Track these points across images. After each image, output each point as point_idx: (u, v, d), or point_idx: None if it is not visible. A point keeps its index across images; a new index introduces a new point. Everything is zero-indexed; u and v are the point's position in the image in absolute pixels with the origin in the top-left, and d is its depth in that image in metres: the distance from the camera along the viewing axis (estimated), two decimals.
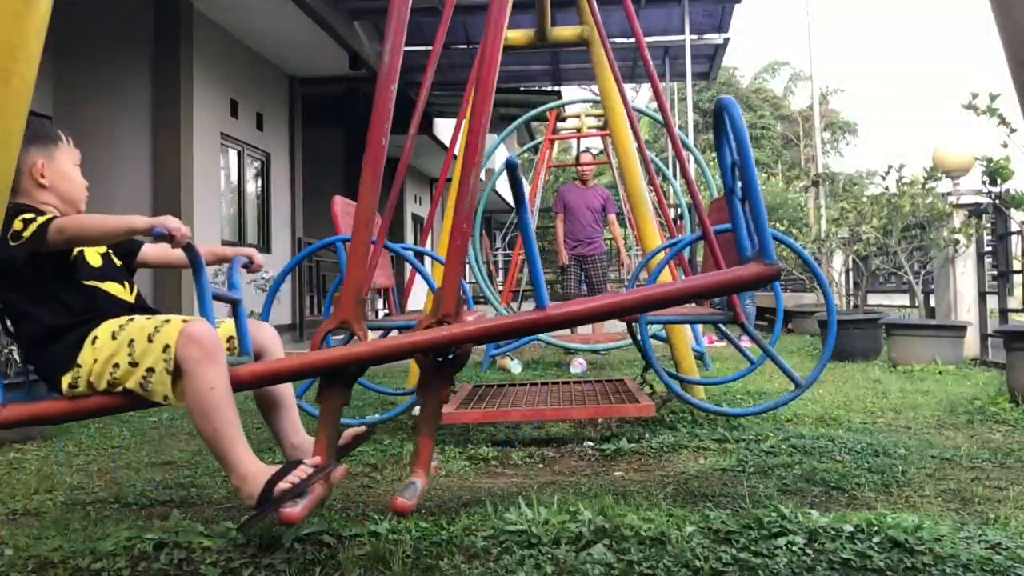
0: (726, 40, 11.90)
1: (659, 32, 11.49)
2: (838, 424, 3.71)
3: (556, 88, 13.94)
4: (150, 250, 2.45)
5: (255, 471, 1.87)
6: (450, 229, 2.01)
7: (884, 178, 7.40)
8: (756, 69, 40.53)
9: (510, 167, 1.93)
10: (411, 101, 3.91)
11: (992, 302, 6.81)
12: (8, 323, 2.14)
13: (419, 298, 6.06)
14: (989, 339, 6.61)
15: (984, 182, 5.64)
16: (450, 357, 1.94)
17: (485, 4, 2.07)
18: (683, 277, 4.95)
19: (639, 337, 3.59)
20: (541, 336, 5.96)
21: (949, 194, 7.03)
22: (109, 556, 1.97)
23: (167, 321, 1.96)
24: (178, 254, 2.35)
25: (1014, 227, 6.08)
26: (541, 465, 3.09)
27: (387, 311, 4.16)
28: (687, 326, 4.32)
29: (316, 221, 12.81)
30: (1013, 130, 4.89)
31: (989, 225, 6.75)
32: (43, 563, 1.96)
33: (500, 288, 10.44)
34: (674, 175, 9.76)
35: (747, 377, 4.25)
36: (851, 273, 9.46)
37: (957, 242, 6.73)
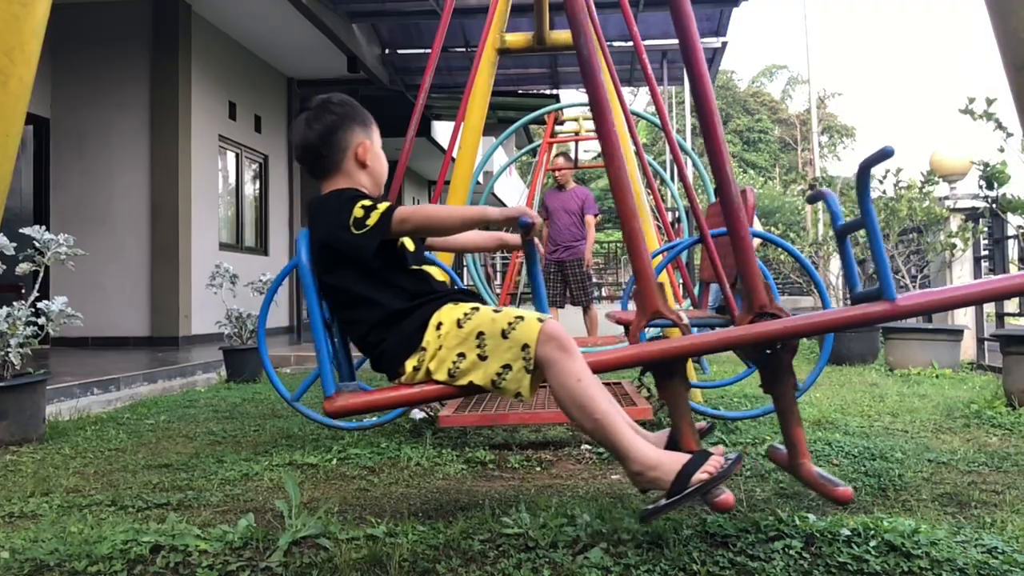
0: (724, 44, 11.91)
1: (657, 36, 11.49)
2: (835, 428, 3.71)
3: (554, 91, 13.95)
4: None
5: (658, 459, 1.86)
6: (731, 227, 2.03)
7: (882, 182, 7.42)
8: (754, 73, 40.64)
9: (887, 154, 1.89)
10: (409, 104, 3.91)
11: (989, 306, 6.82)
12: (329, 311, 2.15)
13: None
14: (986, 343, 6.62)
15: (981, 186, 5.66)
16: (778, 347, 1.99)
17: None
18: (680, 280, 4.96)
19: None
20: None
21: (946, 198, 7.05)
22: (105, 559, 1.96)
23: (520, 318, 1.94)
24: (462, 240, 2.42)
25: (1010, 231, 6.09)
26: (538, 468, 3.09)
27: None
28: None
29: None
30: (1010, 134, 4.91)
31: (986, 229, 6.77)
32: (39, 566, 1.96)
33: (498, 291, 10.45)
34: (672, 179, 9.77)
35: (744, 380, 4.26)
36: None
37: (954, 246, 6.74)
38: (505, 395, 1.94)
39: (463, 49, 11.32)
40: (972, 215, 6.83)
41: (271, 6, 9.25)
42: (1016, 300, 7.04)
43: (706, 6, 10.70)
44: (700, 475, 1.80)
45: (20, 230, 4.24)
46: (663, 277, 4.19)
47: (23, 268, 4.18)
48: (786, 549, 1.91)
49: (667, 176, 8.90)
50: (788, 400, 2.04)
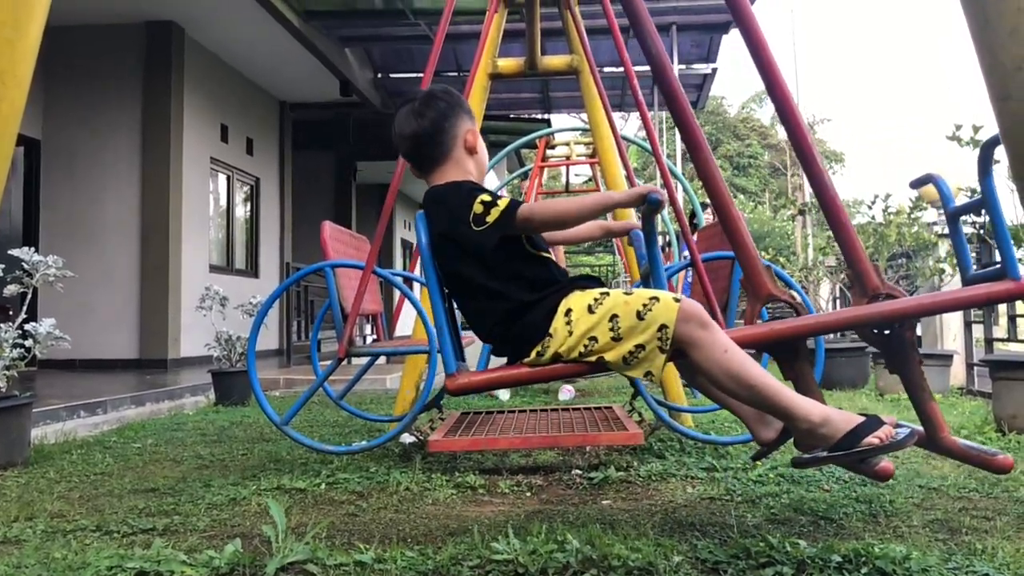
0: (714, 70, 12.05)
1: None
2: None
3: (546, 116, 14.05)
4: None
5: (828, 414, 1.86)
6: (830, 212, 2.04)
7: (871, 207, 7.47)
8: (744, 98, 41.03)
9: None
10: None
11: (978, 331, 6.85)
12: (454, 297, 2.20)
13: (407, 324, 6.05)
14: (975, 368, 6.64)
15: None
16: (896, 327, 2.01)
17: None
18: None
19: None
20: None
21: (935, 224, 7.10)
22: None
23: (655, 299, 1.94)
24: (572, 233, 2.46)
25: (997, 257, 6.14)
26: (529, 493, 3.08)
27: (375, 337, 4.16)
28: None
29: (305, 246, 12.81)
30: (996, 162, 4.95)
31: (974, 255, 6.82)
32: None
33: None
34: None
35: None
36: (838, 301, 9.51)
37: (943, 271, 6.78)
38: (634, 374, 1.94)
39: (455, 73, 11.41)
40: None
41: (264, 30, 9.30)
42: (1004, 326, 7.08)
43: (696, 33, 10.84)
44: (872, 439, 1.79)
45: (9, 251, 4.22)
46: None
47: (11, 290, 4.16)
48: None
49: None
50: (916, 376, 2.05)
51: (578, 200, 2.04)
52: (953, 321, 6.88)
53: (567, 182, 10.38)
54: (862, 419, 1.85)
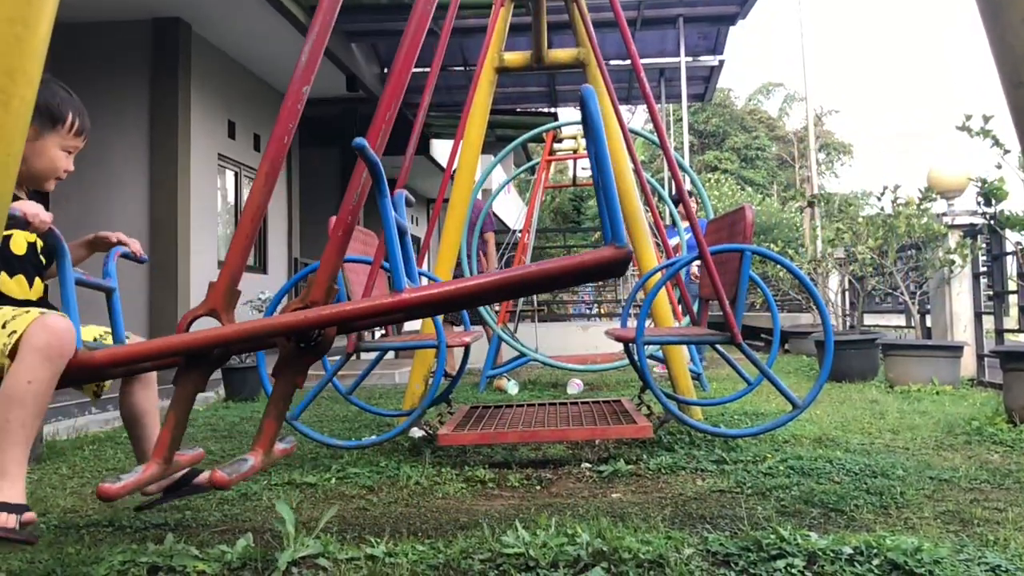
0: (721, 62, 11.99)
1: (655, 54, 11.57)
2: (836, 445, 3.70)
3: (552, 109, 14.02)
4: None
5: (16, 487, 1.79)
6: (335, 222, 1.99)
7: (879, 199, 7.44)
8: (751, 90, 40.94)
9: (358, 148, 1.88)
10: (408, 122, 3.93)
11: (988, 322, 6.82)
12: None
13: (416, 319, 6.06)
14: (986, 359, 6.61)
15: (979, 203, 5.67)
16: (312, 344, 1.92)
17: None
18: (679, 297, 4.96)
19: (636, 358, 3.59)
20: (538, 357, 5.95)
21: (944, 215, 7.07)
22: None
23: (27, 312, 1.96)
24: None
25: (1009, 248, 6.10)
26: (538, 487, 3.08)
27: (384, 332, 4.17)
28: (684, 347, 4.32)
29: (313, 241, 12.84)
30: (1007, 151, 4.92)
31: (984, 245, 6.78)
32: None
33: (497, 309, 10.42)
34: (670, 196, 9.78)
35: (744, 398, 4.25)
36: (847, 293, 9.48)
37: (953, 262, 6.75)
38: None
39: (462, 68, 11.39)
40: (970, 231, 6.84)
41: (271, 26, 9.31)
42: (1015, 317, 7.05)
43: (703, 25, 10.78)
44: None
45: None
46: (661, 295, 4.19)
47: None
48: (788, 568, 1.89)
49: (665, 194, 8.93)
50: (282, 393, 1.92)
51: None
52: (964, 312, 6.85)
53: (574, 176, 10.37)
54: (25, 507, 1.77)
